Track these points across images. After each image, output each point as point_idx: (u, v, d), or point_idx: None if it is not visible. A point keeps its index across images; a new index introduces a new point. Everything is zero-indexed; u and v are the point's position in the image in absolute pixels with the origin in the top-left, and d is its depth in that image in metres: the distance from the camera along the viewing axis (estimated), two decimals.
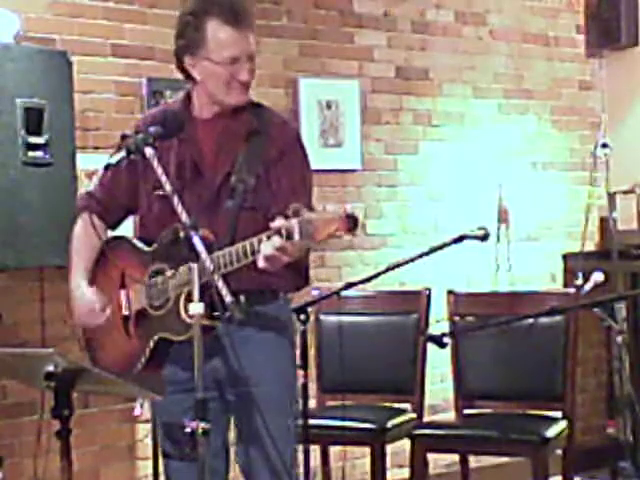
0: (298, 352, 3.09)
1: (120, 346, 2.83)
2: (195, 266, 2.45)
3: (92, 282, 2.89)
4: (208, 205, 2.77)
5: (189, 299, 2.48)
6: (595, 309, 3.72)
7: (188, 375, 2.58)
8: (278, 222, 2.37)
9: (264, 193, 2.77)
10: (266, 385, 2.78)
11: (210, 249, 2.53)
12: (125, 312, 2.80)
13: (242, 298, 2.72)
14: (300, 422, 2.96)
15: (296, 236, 2.32)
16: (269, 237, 2.43)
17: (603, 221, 5.63)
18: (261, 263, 2.49)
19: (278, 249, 2.42)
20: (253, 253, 2.51)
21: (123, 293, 2.81)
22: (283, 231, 2.35)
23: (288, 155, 2.83)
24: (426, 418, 4.44)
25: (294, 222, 2.32)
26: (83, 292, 2.86)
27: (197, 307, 2.43)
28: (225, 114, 2.83)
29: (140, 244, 2.84)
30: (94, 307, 2.84)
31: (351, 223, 2.34)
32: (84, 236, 2.92)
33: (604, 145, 4.87)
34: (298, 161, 2.86)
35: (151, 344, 2.74)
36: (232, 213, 2.74)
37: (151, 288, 2.73)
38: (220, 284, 2.39)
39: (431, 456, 4.21)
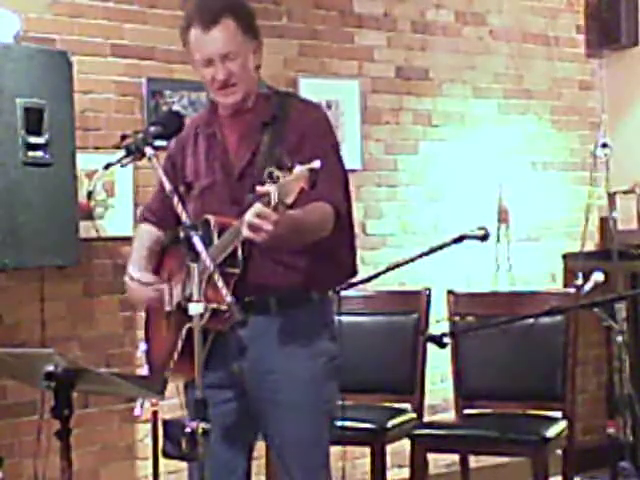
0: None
1: (163, 339, 2.84)
2: (195, 266, 2.44)
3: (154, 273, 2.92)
4: (234, 199, 2.74)
5: (206, 291, 2.48)
6: (595, 309, 3.73)
7: (213, 373, 2.68)
8: (259, 188, 2.35)
9: None
10: (283, 393, 2.73)
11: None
12: (167, 307, 2.81)
13: (273, 301, 2.71)
14: (331, 429, 2.83)
15: (273, 201, 2.31)
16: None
17: (603, 221, 5.63)
18: (245, 232, 2.42)
19: (258, 215, 2.36)
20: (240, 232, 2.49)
21: (166, 287, 2.81)
22: (264, 197, 2.34)
23: (309, 140, 2.71)
24: (426, 418, 4.44)
25: (272, 188, 2.31)
26: (129, 271, 2.90)
27: (197, 307, 2.43)
28: (244, 109, 2.81)
29: None
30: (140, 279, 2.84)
31: (314, 177, 2.33)
32: (140, 239, 3.01)
33: (604, 145, 4.86)
34: (320, 146, 2.72)
35: (183, 335, 2.71)
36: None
37: (186, 281, 2.73)
38: (220, 284, 2.38)
39: (431, 456, 4.20)
